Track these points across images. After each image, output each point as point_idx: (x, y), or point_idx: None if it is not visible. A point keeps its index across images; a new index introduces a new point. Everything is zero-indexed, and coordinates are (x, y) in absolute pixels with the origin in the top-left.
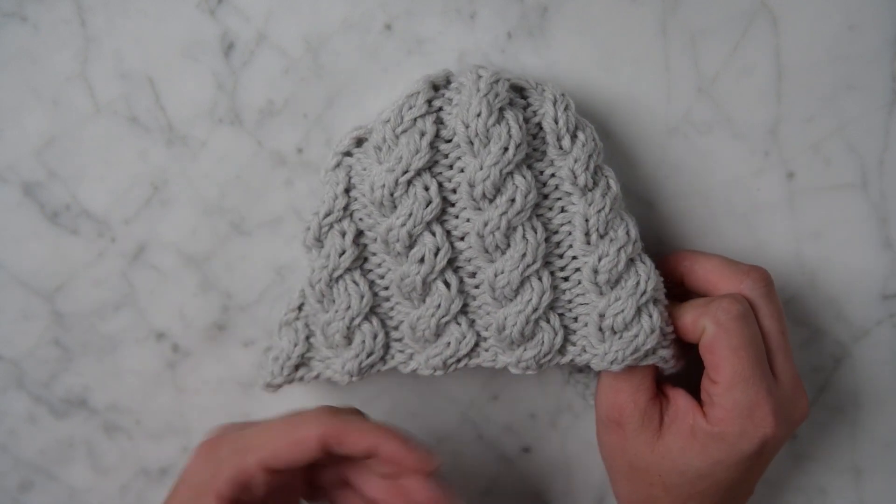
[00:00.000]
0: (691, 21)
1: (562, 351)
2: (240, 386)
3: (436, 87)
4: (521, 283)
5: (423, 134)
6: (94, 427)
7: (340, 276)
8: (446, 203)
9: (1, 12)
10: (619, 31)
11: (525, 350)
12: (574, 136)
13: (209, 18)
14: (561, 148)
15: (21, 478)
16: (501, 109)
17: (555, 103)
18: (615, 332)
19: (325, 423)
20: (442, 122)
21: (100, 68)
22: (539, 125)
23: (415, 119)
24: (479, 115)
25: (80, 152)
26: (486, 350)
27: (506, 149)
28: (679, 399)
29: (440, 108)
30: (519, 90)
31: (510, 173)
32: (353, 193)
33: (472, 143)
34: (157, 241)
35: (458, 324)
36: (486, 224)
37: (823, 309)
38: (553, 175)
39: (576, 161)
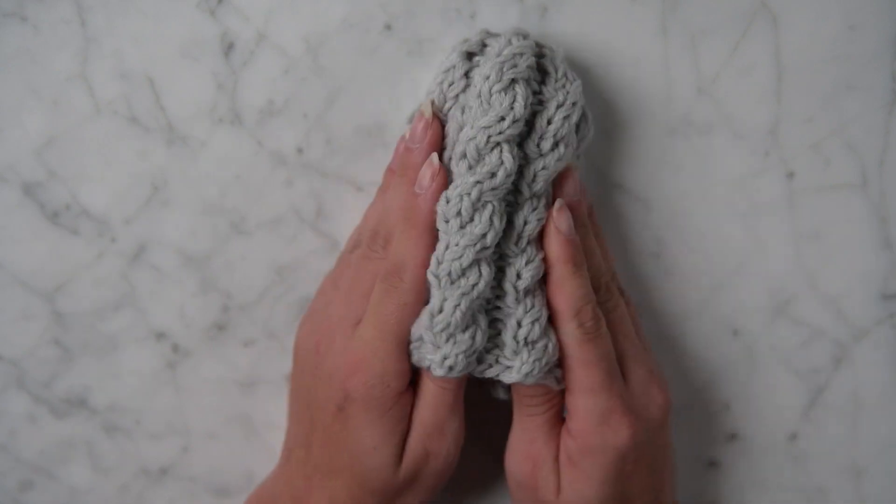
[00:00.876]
0: (691, 21)
1: (480, 357)
2: (240, 386)
3: (470, 55)
4: (471, 265)
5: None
6: (94, 427)
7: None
8: None
9: (1, 12)
10: (619, 31)
11: (455, 343)
12: (555, 146)
13: (209, 18)
14: (538, 147)
15: (21, 478)
16: (513, 80)
17: (559, 107)
18: (528, 344)
19: (405, 270)
20: None
21: (100, 68)
22: (534, 116)
23: (456, 95)
24: (487, 77)
25: (80, 152)
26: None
27: (502, 118)
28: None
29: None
30: (544, 73)
31: (498, 144)
32: None
33: (473, 101)
34: (157, 241)
35: None
36: (456, 187)
37: (823, 309)
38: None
39: (543, 168)
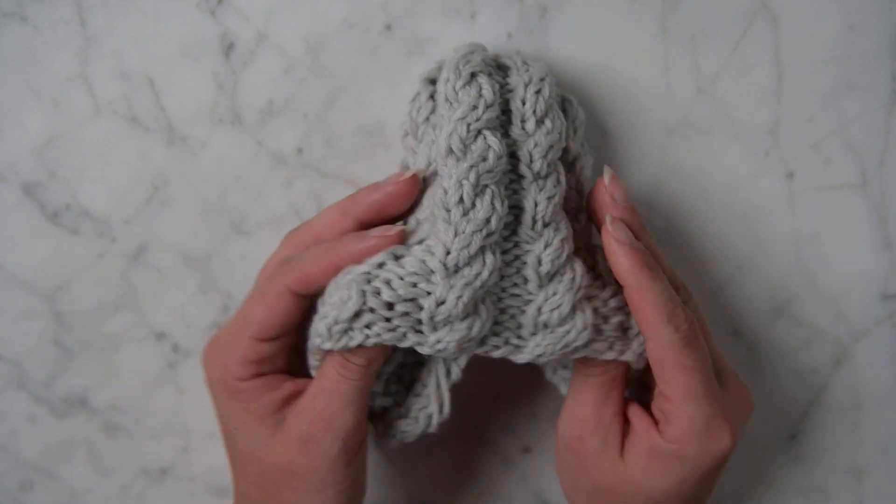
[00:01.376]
0: (691, 21)
1: (483, 340)
2: None
3: (432, 81)
4: (477, 254)
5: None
6: (94, 427)
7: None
8: None
9: (1, 12)
10: (619, 31)
11: (451, 331)
12: (540, 122)
13: (209, 18)
14: (524, 129)
15: (21, 478)
16: (473, 74)
17: (526, 85)
18: (547, 327)
19: (285, 272)
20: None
21: (100, 68)
22: (508, 104)
23: (426, 118)
24: (447, 80)
25: (80, 152)
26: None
27: (474, 106)
28: (634, 416)
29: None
30: (505, 69)
31: (479, 131)
32: None
33: (443, 109)
34: (157, 241)
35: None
36: (451, 176)
37: (823, 309)
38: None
39: (535, 146)
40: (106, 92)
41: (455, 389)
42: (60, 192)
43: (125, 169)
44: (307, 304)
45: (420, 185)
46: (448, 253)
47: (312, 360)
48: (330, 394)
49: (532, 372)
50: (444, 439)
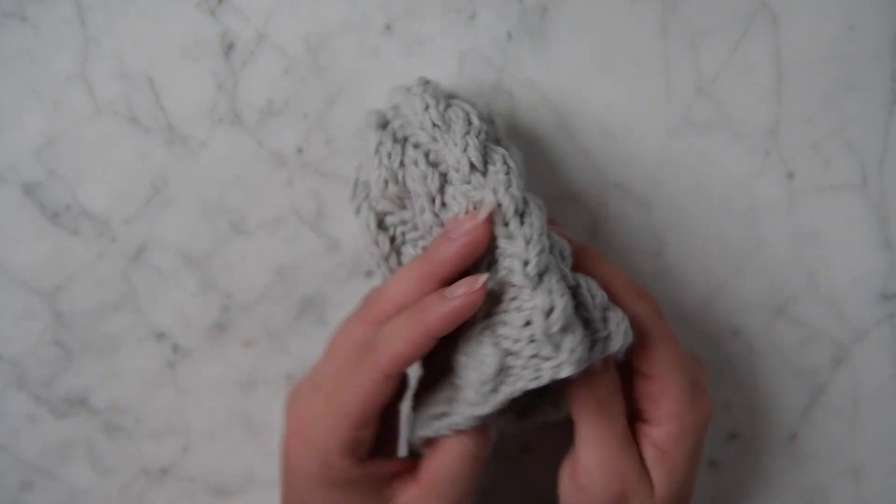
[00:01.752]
0: (691, 21)
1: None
2: (240, 386)
3: (384, 124)
4: (547, 253)
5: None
6: (94, 427)
7: None
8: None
9: (1, 12)
10: (619, 31)
11: (573, 334)
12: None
13: (209, 18)
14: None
15: (21, 478)
16: (448, 97)
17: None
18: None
19: (377, 357)
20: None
21: (100, 68)
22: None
23: (401, 162)
24: (427, 107)
25: (80, 152)
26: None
27: (470, 122)
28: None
29: (404, 139)
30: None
31: (486, 144)
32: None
33: (434, 136)
34: (157, 241)
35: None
36: (500, 191)
37: (823, 309)
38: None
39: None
40: (106, 92)
41: None
42: (60, 192)
43: (125, 169)
44: (400, 382)
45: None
46: (527, 263)
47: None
48: (458, 474)
49: None
50: None
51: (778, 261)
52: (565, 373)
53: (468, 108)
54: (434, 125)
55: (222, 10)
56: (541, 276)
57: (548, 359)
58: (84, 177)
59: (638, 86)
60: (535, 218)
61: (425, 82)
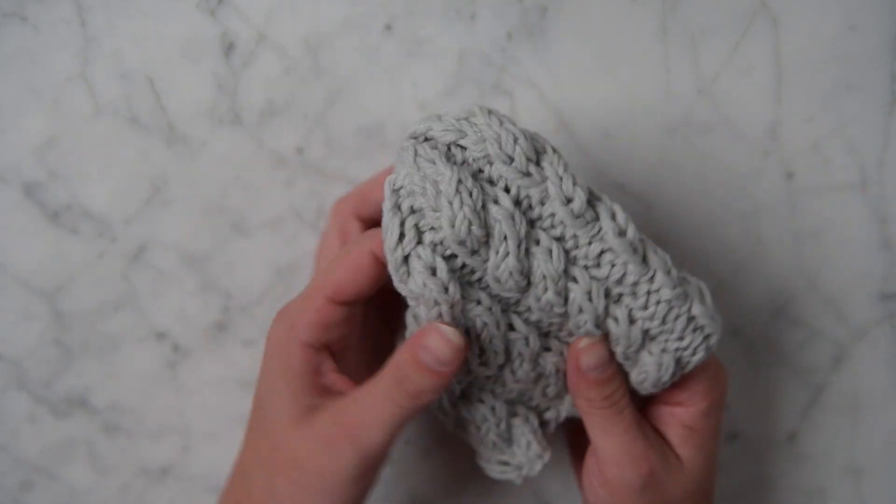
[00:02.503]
0: (691, 21)
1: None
2: (240, 386)
3: (448, 157)
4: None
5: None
6: (94, 427)
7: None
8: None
9: (1, 12)
10: (619, 31)
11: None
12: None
13: (209, 18)
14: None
15: (21, 478)
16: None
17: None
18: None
19: (369, 236)
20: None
21: (100, 68)
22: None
23: (474, 206)
24: (516, 140)
25: (80, 152)
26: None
27: (559, 155)
28: (654, 418)
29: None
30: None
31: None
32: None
33: (527, 170)
34: (157, 241)
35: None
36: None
37: (823, 309)
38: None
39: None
40: (106, 92)
41: None
42: (60, 192)
43: (125, 169)
44: (384, 275)
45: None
46: (674, 287)
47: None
48: (369, 410)
49: None
50: (444, 439)
51: (778, 261)
52: (715, 339)
53: (544, 140)
54: (528, 159)
55: (222, 10)
56: (681, 280)
57: (711, 334)
58: (84, 177)
59: (638, 86)
60: (649, 245)
61: (489, 112)
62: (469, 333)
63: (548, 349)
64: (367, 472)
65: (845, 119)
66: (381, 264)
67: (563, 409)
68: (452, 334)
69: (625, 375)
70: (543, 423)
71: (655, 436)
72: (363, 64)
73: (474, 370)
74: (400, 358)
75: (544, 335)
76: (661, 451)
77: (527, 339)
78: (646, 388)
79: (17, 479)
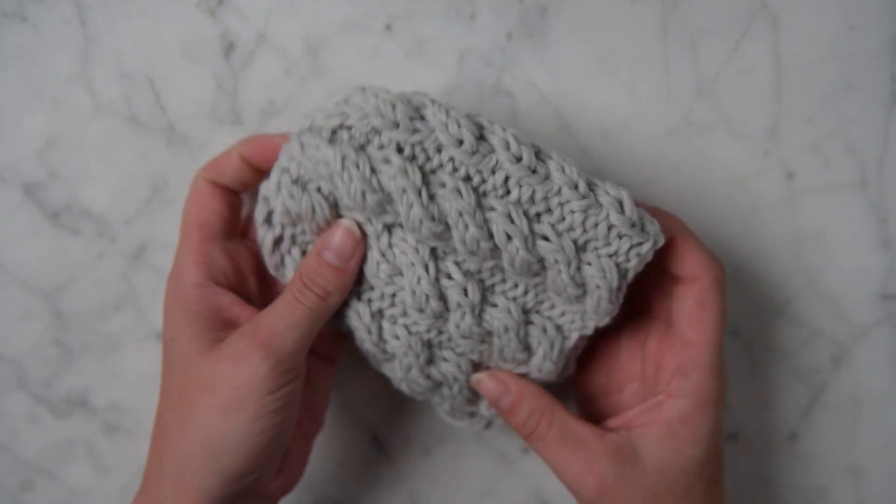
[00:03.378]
0: (691, 21)
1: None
2: None
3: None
4: (592, 186)
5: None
6: (94, 427)
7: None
8: None
9: (1, 12)
10: (619, 31)
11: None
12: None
13: (209, 18)
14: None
15: (21, 478)
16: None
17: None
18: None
19: (198, 170)
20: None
21: (100, 68)
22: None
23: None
24: (394, 106)
25: (80, 152)
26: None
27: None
28: (628, 417)
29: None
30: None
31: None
32: None
33: (413, 128)
34: (158, 241)
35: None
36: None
37: (823, 309)
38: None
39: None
40: (106, 92)
41: None
42: (60, 192)
43: (125, 169)
44: (232, 197)
45: None
46: (576, 185)
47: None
48: (278, 314)
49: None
50: (444, 439)
51: (778, 261)
52: (660, 243)
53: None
54: (410, 118)
55: (222, 10)
56: (591, 187)
57: (641, 242)
58: (84, 177)
59: (638, 86)
60: (550, 151)
61: (362, 89)
62: (402, 275)
63: (494, 305)
64: (281, 379)
65: (845, 119)
66: (218, 187)
67: (532, 370)
68: (352, 226)
69: (582, 327)
70: None
71: (606, 440)
72: (363, 64)
73: (411, 318)
74: (306, 263)
75: (488, 289)
76: (615, 455)
77: (465, 289)
78: (604, 307)
79: (17, 479)
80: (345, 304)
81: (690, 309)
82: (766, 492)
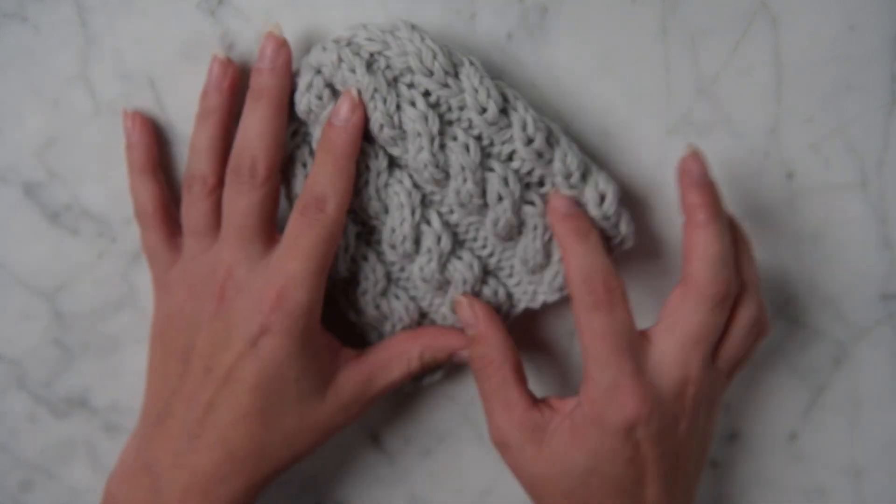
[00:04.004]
0: (691, 21)
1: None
2: None
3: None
4: (585, 174)
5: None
6: (94, 427)
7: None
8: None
9: (1, 12)
10: (619, 31)
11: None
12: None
13: (209, 18)
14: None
15: (21, 478)
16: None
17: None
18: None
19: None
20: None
21: (100, 68)
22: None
23: (386, 111)
24: (435, 55)
25: (80, 152)
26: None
27: (477, 68)
28: (559, 402)
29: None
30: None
31: (499, 85)
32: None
33: (445, 82)
34: None
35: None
36: (523, 129)
37: (823, 309)
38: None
39: None
40: (106, 92)
41: (455, 389)
42: (60, 192)
43: (125, 169)
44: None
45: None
46: (570, 175)
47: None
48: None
49: (531, 372)
50: (443, 439)
51: (778, 261)
52: (627, 245)
53: (469, 57)
54: (446, 73)
55: (222, 10)
56: (585, 177)
57: (610, 237)
58: (84, 177)
59: (638, 86)
60: (561, 136)
61: (412, 26)
62: (387, 210)
63: (459, 258)
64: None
65: (845, 119)
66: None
67: None
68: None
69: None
70: None
71: (528, 415)
72: None
73: (383, 248)
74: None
75: (459, 243)
76: (525, 431)
77: (439, 237)
78: (559, 282)
79: (17, 479)
80: None
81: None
82: (766, 492)
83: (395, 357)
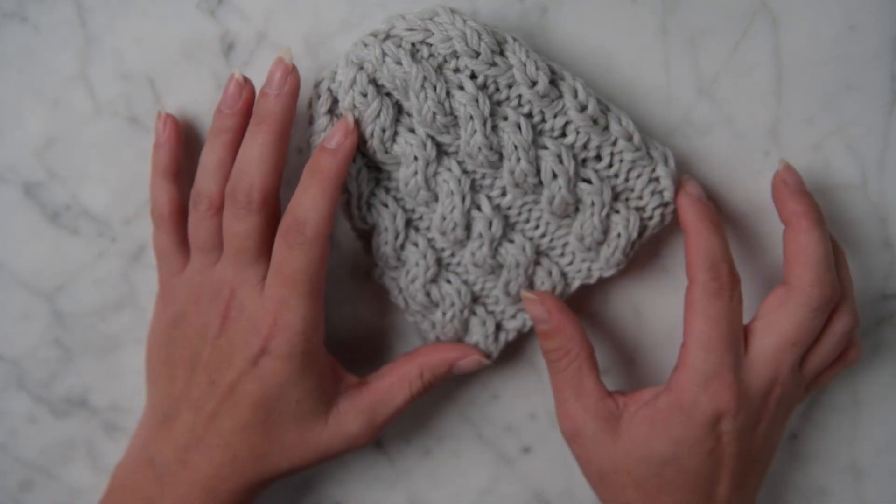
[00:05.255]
0: (691, 21)
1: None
2: None
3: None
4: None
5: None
6: (94, 427)
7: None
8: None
9: (1, 12)
10: (619, 31)
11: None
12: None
13: (209, 18)
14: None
15: (21, 478)
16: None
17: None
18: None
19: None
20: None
21: (100, 68)
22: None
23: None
24: (480, 36)
25: (80, 152)
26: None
27: (522, 45)
28: (626, 392)
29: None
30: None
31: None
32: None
33: (493, 61)
34: None
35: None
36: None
37: None
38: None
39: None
40: (106, 92)
41: (455, 389)
42: (60, 192)
43: (125, 169)
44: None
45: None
46: (631, 137)
47: None
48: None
49: (531, 372)
50: (444, 439)
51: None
52: (668, 219)
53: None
54: (492, 52)
55: (222, 10)
56: (644, 141)
57: (668, 203)
58: (84, 177)
59: (638, 86)
60: (608, 103)
61: (451, 11)
62: (437, 200)
63: (511, 241)
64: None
65: (845, 119)
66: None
67: (529, 320)
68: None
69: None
70: (499, 329)
71: (602, 404)
72: None
73: (434, 235)
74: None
75: (510, 226)
76: (599, 420)
77: (490, 222)
78: (617, 257)
79: (17, 479)
80: (378, 202)
81: (685, 308)
82: (766, 492)
83: (395, 383)
